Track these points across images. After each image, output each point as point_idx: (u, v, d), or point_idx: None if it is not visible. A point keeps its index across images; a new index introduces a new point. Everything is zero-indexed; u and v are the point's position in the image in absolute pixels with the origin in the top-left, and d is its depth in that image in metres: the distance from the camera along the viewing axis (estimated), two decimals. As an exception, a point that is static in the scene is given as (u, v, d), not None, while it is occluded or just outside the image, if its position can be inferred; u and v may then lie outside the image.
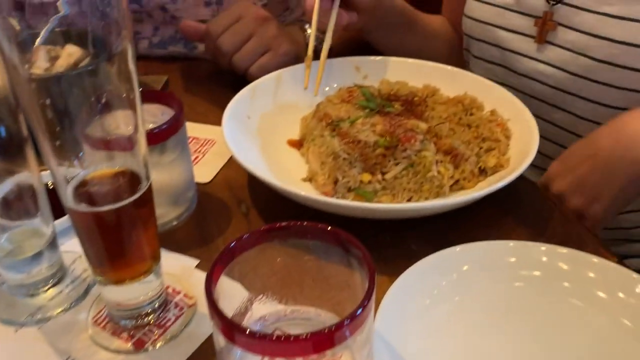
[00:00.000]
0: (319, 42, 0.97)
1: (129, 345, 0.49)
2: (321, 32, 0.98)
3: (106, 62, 0.42)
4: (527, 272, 0.50)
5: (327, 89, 0.80)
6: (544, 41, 0.78)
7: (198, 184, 0.68)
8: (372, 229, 0.62)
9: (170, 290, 0.54)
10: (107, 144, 0.45)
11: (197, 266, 0.58)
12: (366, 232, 0.62)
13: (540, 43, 0.79)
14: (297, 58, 0.89)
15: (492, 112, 0.73)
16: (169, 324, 0.51)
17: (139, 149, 0.45)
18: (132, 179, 0.45)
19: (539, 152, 0.85)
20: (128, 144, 0.44)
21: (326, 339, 0.36)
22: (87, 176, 0.44)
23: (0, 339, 0.50)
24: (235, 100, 0.73)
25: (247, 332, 0.36)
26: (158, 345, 0.49)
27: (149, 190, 0.46)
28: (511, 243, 0.52)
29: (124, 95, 0.43)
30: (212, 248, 0.61)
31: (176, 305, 0.53)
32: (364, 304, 0.38)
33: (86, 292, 0.55)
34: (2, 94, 0.48)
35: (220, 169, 0.73)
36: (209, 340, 0.50)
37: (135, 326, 0.50)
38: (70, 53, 0.45)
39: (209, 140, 0.78)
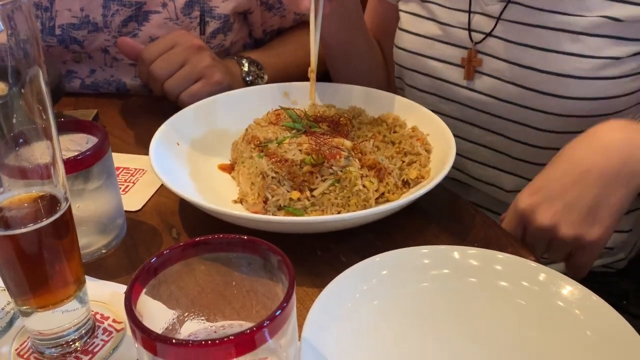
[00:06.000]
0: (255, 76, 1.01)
1: (55, 373, 0.48)
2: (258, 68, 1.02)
3: (19, 90, 0.43)
4: (437, 271, 0.53)
5: (255, 114, 0.82)
6: (472, 77, 0.81)
7: (128, 212, 0.68)
8: (304, 245, 0.64)
9: (98, 316, 0.53)
10: (25, 173, 0.45)
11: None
12: (298, 249, 0.63)
13: (469, 79, 0.82)
14: (229, 88, 0.91)
15: (414, 129, 0.76)
16: (96, 349, 0.50)
17: (58, 174, 0.45)
18: (50, 202, 0.45)
19: (470, 175, 0.90)
20: (46, 171, 0.45)
21: (247, 340, 0.37)
22: (4, 202, 0.44)
23: None
24: (163, 127, 0.74)
25: (167, 341, 0.36)
26: (86, 370, 0.48)
27: (68, 211, 0.46)
28: (425, 249, 0.55)
29: (39, 121, 0.43)
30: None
31: (104, 330, 0.52)
32: (282, 306, 0.39)
33: (9, 325, 0.53)
34: None
35: (151, 197, 0.73)
36: (139, 362, 0.50)
37: (62, 354, 0.49)
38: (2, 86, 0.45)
39: (139, 170, 0.78)
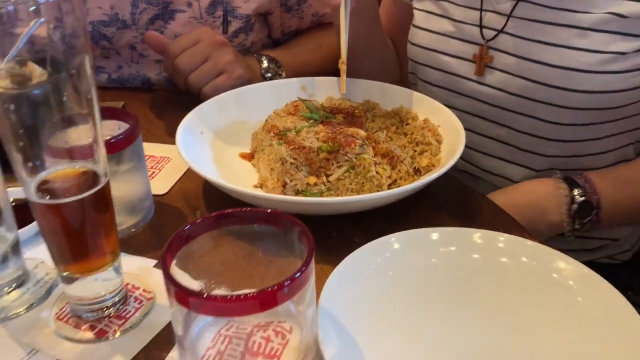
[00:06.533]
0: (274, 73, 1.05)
1: (91, 335, 0.52)
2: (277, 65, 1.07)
3: (67, 76, 0.47)
4: (445, 249, 0.58)
5: (274, 107, 0.86)
6: (482, 73, 0.85)
7: (155, 196, 0.73)
8: (320, 227, 0.68)
9: (129, 286, 0.58)
10: (70, 152, 0.49)
11: (155, 266, 0.62)
12: (315, 231, 0.67)
13: (480, 75, 0.86)
14: (249, 83, 0.95)
15: (425, 121, 0.80)
16: (128, 315, 0.55)
17: (99, 153, 0.49)
18: (92, 177, 0.49)
19: (479, 167, 0.94)
20: (89, 150, 0.49)
21: (269, 296, 0.40)
22: (50, 175, 0.49)
23: (-35, 338, 0.53)
24: (188, 117, 0.78)
25: (199, 295, 0.40)
26: (118, 334, 0.53)
27: (107, 185, 0.50)
28: (434, 230, 0.60)
29: (84, 105, 0.48)
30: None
31: (136, 299, 0.56)
32: (302, 269, 0.43)
33: (48, 293, 0.58)
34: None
35: (176, 182, 0.77)
36: (168, 327, 0.54)
37: (97, 318, 0.54)
38: (42, 73, 0.49)
39: (164, 158, 0.82)
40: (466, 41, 0.87)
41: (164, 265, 0.43)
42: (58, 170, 0.49)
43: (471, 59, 0.87)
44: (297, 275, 0.42)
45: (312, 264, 0.45)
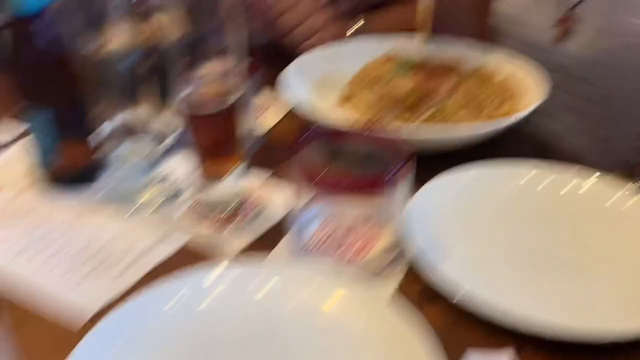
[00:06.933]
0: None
1: (214, 227, 0.63)
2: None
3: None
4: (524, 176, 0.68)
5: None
6: (566, 38, 0.90)
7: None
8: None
9: (246, 193, 0.68)
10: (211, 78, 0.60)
11: (269, 177, 0.72)
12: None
13: (563, 39, 0.90)
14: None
15: (509, 76, 0.86)
16: (245, 214, 0.65)
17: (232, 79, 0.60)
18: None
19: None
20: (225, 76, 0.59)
21: (376, 179, 0.50)
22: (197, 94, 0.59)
23: (115, 221, 0.65)
24: (291, 66, 0.88)
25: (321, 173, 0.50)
26: (235, 228, 0.63)
27: (237, 103, 0.60)
28: (516, 162, 0.70)
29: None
30: (278, 168, 0.74)
31: (249, 204, 0.67)
32: (401, 166, 0.51)
33: (178, 194, 0.69)
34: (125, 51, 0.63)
35: (277, 123, 0.87)
36: (275, 226, 0.64)
37: (219, 215, 0.64)
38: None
39: (265, 104, 0.92)
40: (551, 7, 0.92)
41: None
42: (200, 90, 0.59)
43: (556, 24, 0.91)
44: (396, 170, 0.50)
45: (409, 166, 0.53)
